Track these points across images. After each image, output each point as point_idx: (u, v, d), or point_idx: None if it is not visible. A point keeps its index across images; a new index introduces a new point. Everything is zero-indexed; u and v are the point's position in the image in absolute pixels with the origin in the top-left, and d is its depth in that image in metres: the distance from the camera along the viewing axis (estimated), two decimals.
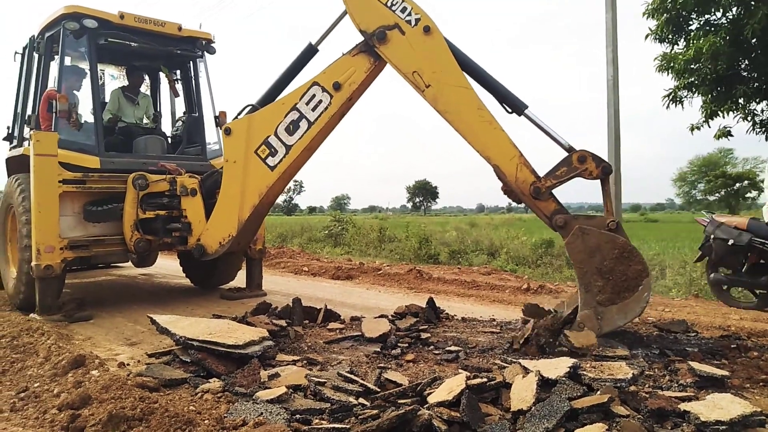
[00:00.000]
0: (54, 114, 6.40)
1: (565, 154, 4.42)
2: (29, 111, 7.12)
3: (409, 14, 4.69)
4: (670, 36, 9.98)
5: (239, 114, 5.75)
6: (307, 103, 5.22)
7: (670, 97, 10.33)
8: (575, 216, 4.39)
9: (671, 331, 4.81)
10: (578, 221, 4.29)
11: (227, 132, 5.75)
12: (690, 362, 3.63)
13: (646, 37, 10.12)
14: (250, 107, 5.66)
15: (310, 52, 5.45)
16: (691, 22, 9.91)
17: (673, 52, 10.00)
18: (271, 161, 5.45)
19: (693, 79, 9.79)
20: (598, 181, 4.37)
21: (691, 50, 9.30)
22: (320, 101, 5.17)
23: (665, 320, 5.31)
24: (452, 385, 3.02)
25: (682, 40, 9.91)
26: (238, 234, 5.81)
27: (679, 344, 4.35)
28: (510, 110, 4.72)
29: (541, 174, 4.40)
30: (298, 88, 5.32)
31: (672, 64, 9.83)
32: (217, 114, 7.60)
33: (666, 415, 2.81)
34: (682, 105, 10.34)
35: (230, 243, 5.90)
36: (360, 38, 4.94)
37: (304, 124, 5.26)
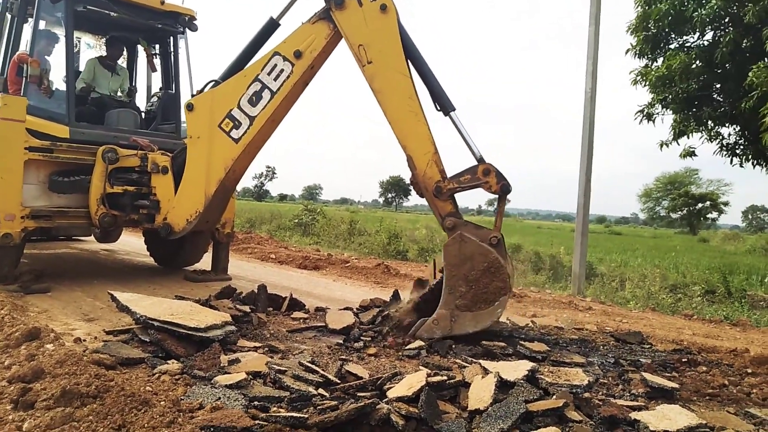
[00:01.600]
0: (24, 78, 6.19)
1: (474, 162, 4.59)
2: None
3: None
4: (648, 53, 10.24)
5: (202, 89, 5.71)
6: (269, 74, 5.22)
7: (643, 112, 10.59)
8: (465, 222, 4.55)
9: (627, 341, 4.95)
10: (465, 228, 4.46)
11: (189, 108, 5.70)
12: (643, 373, 3.74)
13: (627, 51, 10.35)
14: (213, 82, 5.62)
15: (271, 26, 5.44)
16: (669, 41, 10.17)
17: (649, 67, 10.26)
18: (235, 134, 5.42)
19: (667, 95, 10.06)
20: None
21: (663, 66, 9.57)
22: (282, 70, 5.18)
23: (622, 331, 5.46)
24: (412, 381, 3.05)
25: (661, 58, 10.17)
26: (205, 210, 5.74)
27: (634, 355, 4.47)
28: (438, 108, 4.82)
29: (451, 174, 4.56)
30: (259, 59, 5.33)
31: (646, 79, 10.10)
32: (194, 93, 7.47)
33: (617, 423, 2.90)
34: (654, 122, 10.61)
35: (197, 219, 5.82)
36: (320, 7, 4.98)
37: (266, 95, 5.26)
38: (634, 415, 2.93)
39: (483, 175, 4.47)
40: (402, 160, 4.81)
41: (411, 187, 4.90)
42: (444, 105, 4.76)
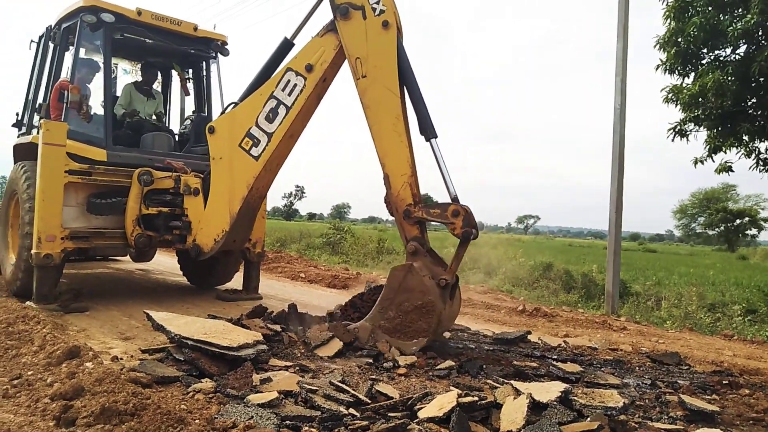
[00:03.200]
0: (65, 104, 6.45)
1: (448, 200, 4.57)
2: (40, 99, 7.18)
3: (378, 2, 4.81)
4: (679, 68, 10.07)
5: (222, 112, 5.87)
6: (283, 89, 5.33)
7: (676, 130, 10.39)
8: (426, 253, 4.57)
9: (664, 362, 4.82)
10: (422, 260, 4.48)
11: (211, 130, 5.86)
12: (681, 395, 3.64)
13: (657, 68, 10.20)
14: (233, 104, 5.77)
15: (286, 46, 5.56)
16: (701, 56, 9.99)
17: (682, 84, 10.07)
18: (255, 151, 5.53)
19: (698, 113, 9.86)
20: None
21: (696, 86, 9.38)
22: (295, 85, 5.27)
23: (658, 351, 5.32)
24: (443, 402, 3.03)
25: (693, 73, 9.99)
26: (231, 228, 5.82)
27: (672, 376, 4.36)
28: (421, 133, 4.78)
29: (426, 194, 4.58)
30: (273, 77, 5.45)
31: (678, 97, 9.91)
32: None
33: None
34: (687, 138, 10.39)
35: (224, 239, 5.90)
36: (329, 20, 5.08)
37: (282, 111, 5.35)
38: None
39: (452, 215, 4.44)
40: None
41: (385, 205, 4.92)
42: (426, 130, 4.72)
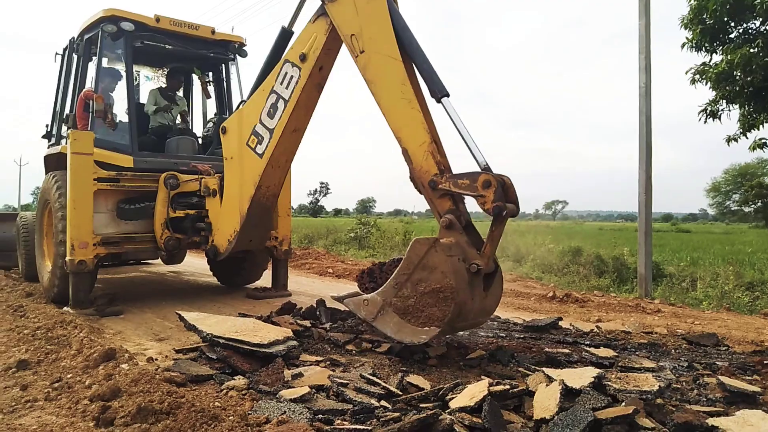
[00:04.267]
0: (90, 113, 6.59)
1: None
2: (67, 110, 7.34)
3: None
4: (706, 45, 9.77)
5: (234, 111, 5.78)
6: (282, 83, 5.14)
7: (707, 111, 10.08)
8: (464, 228, 3.92)
9: (701, 344, 4.71)
10: (456, 236, 3.84)
11: (223, 131, 5.83)
12: (720, 377, 3.55)
13: (683, 46, 9.93)
14: (242, 103, 5.72)
15: (285, 35, 5.37)
16: (729, 31, 9.68)
17: (710, 62, 9.77)
18: (259, 149, 5.44)
19: (729, 90, 9.56)
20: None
21: (723, 63, 9.10)
22: (291, 77, 5.07)
23: (695, 333, 5.20)
24: (474, 391, 3.02)
25: (720, 49, 9.68)
26: (241, 229, 5.79)
27: (709, 358, 4.25)
28: (431, 95, 4.21)
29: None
30: (273, 70, 5.26)
31: (705, 77, 9.63)
32: None
33: (693, 430, 2.75)
34: (720, 119, 10.07)
35: (236, 239, 5.89)
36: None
37: (281, 105, 5.19)
38: (711, 421, 2.77)
39: (482, 187, 3.75)
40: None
41: (411, 183, 4.33)
42: (435, 90, 4.14)
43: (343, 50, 4.89)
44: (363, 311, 4.04)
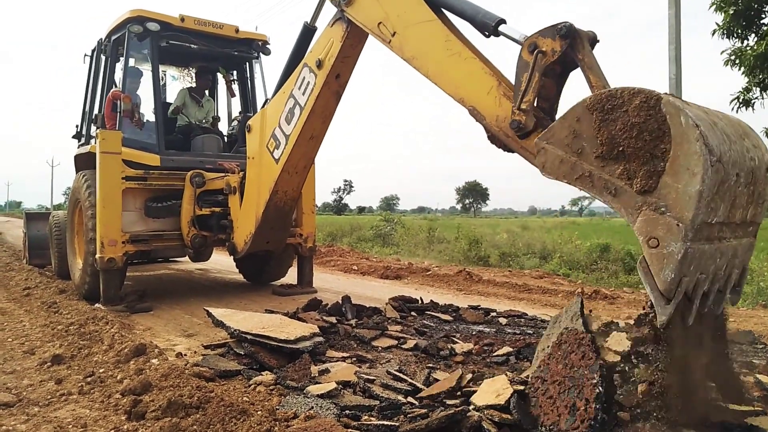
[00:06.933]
0: (118, 113, 6.70)
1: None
2: (96, 110, 7.48)
3: None
4: (738, 30, 9.47)
5: (260, 110, 5.70)
6: (299, 87, 4.97)
7: (740, 100, 9.78)
8: None
9: (736, 342, 4.58)
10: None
11: (248, 129, 5.79)
12: (757, 375, 3.45)
13: (714, 32, 9.65)
14: (266, 101, 5.63)
15: (307, 32, 5.18)
16: (763, 16, 9.38)
17: (744, 46, 9.46)
18: (276, 154, 5.32)
19: (764, 76, 9.26)
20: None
21: (762, 45, 8.79)
22: (308, 83, 4.88)
23: (730, 331, 5.06)
24: (497, 387, 2.97)
25: (753, 35, 9.39)
26: (256, 231, 5.76)
27: (745, 356, 4.13)
28: (482, 32, 3.53)
29: None
30: (294, 72, 5.07)
31: (741, 61, 9.32)
32: None
33: (730, 429, 2.68)
34: (753, 108, 9.77)
35: (252, 241, 5.88)
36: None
37: (297, 111, 5.01)
38: (750, 420, 2.70)
39: (530, 52, 3.04)
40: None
41: (493, 145, 3.47)
42: (484, 23, 3.45)
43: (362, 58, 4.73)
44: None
